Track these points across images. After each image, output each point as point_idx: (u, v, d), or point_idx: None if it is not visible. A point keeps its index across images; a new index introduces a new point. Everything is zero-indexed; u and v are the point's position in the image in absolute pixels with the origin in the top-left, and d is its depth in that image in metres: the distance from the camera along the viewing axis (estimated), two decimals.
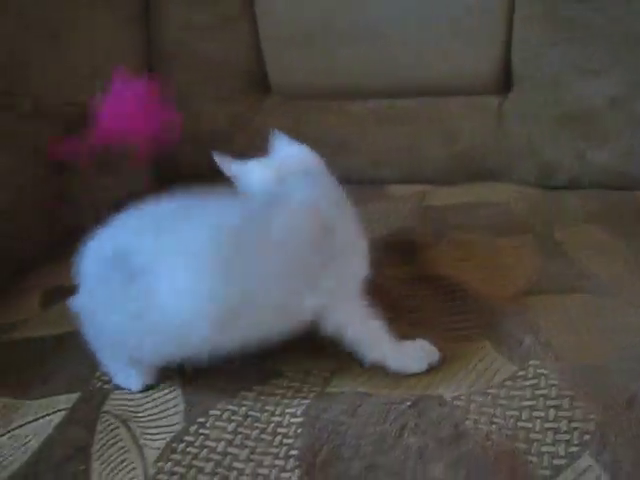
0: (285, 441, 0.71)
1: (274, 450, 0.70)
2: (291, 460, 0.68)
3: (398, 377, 0.77)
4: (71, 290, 1.01)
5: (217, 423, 0.74)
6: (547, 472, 0.65)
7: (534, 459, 0.66)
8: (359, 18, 1.30)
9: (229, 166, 0.90)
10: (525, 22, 1.24)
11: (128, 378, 0.81)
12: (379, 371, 0.78)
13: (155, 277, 0.72)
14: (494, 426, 0.70)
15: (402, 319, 0.86)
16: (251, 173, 0.89)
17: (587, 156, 1.22)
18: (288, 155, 0.92)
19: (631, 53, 1.18)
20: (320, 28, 1.31)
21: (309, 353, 0.82)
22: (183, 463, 0.70)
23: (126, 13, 1.39)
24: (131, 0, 1.41)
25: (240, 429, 0.73)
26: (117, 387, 0.81)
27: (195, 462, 0.70)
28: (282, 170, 0.88)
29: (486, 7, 1.26)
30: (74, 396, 0.81)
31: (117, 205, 0.97)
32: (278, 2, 1.35)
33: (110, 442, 0.74)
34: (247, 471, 0.68)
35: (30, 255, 1.13)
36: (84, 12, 1.28)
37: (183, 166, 1.39)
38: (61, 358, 0.88)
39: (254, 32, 1.38)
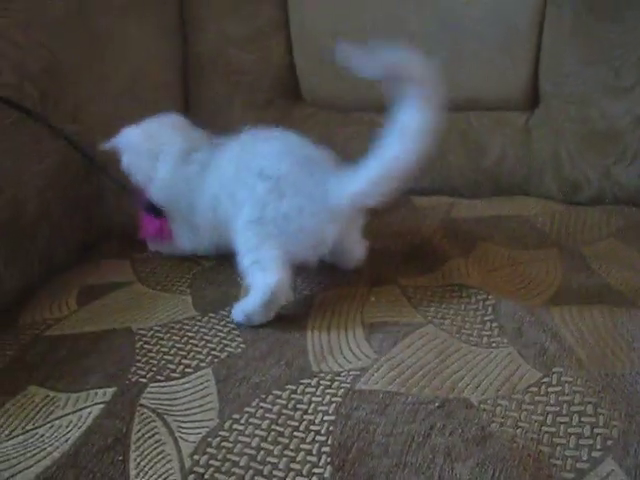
0: (318, 438, 0.73)
1: (307, 447, 0.72)
2: (323, 457, 0.71)
3: (425, 377, 0.80)
4: (105, 289, 1.05)
5: (251, 420, 0.76)
6: (570, 475, 0.67)
7: (558, 462, 0.68)
8: (391, 33, 1.32)
9: None
10: (553, 40, 1.27)
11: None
12: (406, 370, 0.80)
13: None
14: (519, 430, 0.72)
15: (430, 325, 0.89)
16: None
17: (612, 173, 1.24)
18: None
19: None
20: (352, 41, 1.33)
21: (338, 352, 0.86)
22: (218, 457, 0.72)
23: (162, 24, 1.42)
24: (167, 12, 1.44)
25: (274, 426, 0.75)
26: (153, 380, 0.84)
27: (230, 456, 0.72)
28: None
29: (515, 25, 1.28)
30: (111, 390, 0.83)
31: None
32: (312, 16, 1.38)
33: (147, 435, 0.76)
34: (280, 465, 0.70)
35: (67, 255, 1.16)
36: (120, 23, 1.30)
37: None
38: (97, 354, 0.91)
39: (287, 44, 1.41)
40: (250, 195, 0.96)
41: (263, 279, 0.92)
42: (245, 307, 0.93)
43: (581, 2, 1.23)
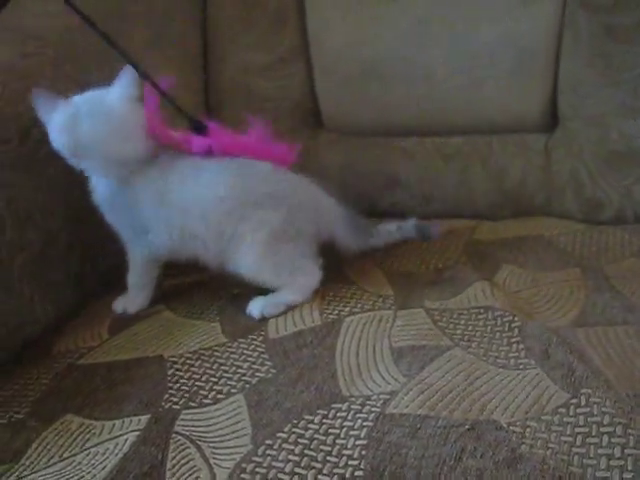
0: (350, 462, 0.74)
1: (340, 471, 0.73)
2: None
3: (454, 400, 0.80)
4: (135, 317, 1.07)
5: (284, 445, 0.77)
6: None
7: None
8: (411, 59, 1.34)
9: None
10: (571, 62, 1.28)
11: None
12: (435, 394, 0.81)
13: None
14: (549, 451, 0.73)
15: (457, 348, 0.90)
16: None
17: (632, 193, 1.25)
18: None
19: None
20: (373, 68, 1.36)
21: (368, 376, 0.87)
22: None
23: (185, 55, 1.45)
24: (189, 43, 1.47)
25: (306, 451, 0.76)
26: (186, 407, 0.86)
27: None
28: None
29: (533, 47, 1.29)
30: (145, 417, 0.85)
31: None
32: (333, 43, 1.40)
33: (182, 461, 0.78)
34: None
35: (99, 283, 1.19)
36: (144, 55, 1.32)
37: None
38: (130, 382, 0.93)
39: (309, 71, 1.44)
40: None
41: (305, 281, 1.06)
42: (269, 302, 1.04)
43: (597, 24, 1.24)
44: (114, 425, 0.85)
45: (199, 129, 1.07)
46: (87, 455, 0.81)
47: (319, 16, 1.40)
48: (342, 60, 1.39)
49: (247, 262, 1.03)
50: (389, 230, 1.18)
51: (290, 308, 1.03)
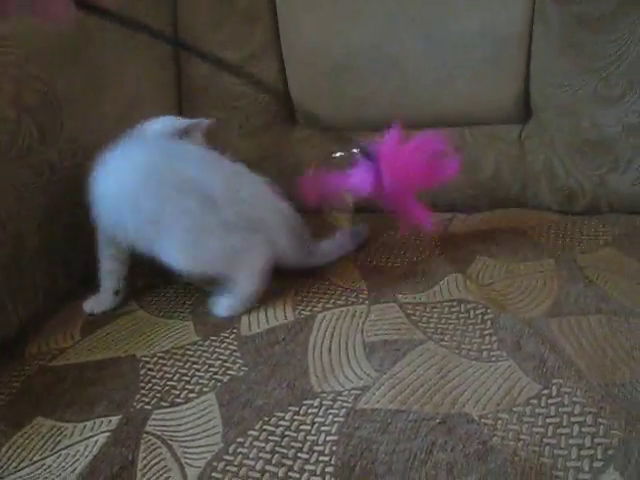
0: (321, 459, 0.74)
1: (311, 467, 0.73)
2: (327, 477, 0.71)
3: (426, 394, 0.80)
4: (108, 317, 1.06)
5: (255, 443, 0.77)
6: None
7: (560, 474, 0.69)
8: (383, 52, 1.34)
9: None
10: (543, 53, 1.28)
11: None
12: (407, 388, 0.81)
13: None
14: (520, 443, 0.73)
15: (430, 341, 0.90)
16: None
17: (606, 182, 1.25)
18: None
19: None
20: (345, 62, 1.35)
21: (340, 372, 0.86)
22: None
23: (156, 54, 1.44)
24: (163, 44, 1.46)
25: (277, 448, 0.76)
26: (157, 407, 0.85)
27: (235, 479, 0.73)
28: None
29: (504, 39, 1.29)
30: (116, 418, 0.84)
31: None
32: (304, 39, 1.39)
33: (153, 461, 0.77)
34: None
35: (71, 284, 1.18)
36: (115, 56, 1.32)
37: None
38: (102, 382, 0.92)
39: (281, 68, 1.43)
40: None
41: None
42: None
43: (568, 14, 1.24)
44: (85, 426, 0.84)
45: (367, 155, 1.05)
46: (57, 457, 0.80)
47: (289, 11, 1.39)
48: (314, 55, 1.38)
49: (172, 252, 1.02)
50: (329, 249, 1.13)
51: (261, 302, 1.03)
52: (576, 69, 1.25)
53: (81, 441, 0.82)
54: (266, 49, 1.42)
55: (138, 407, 0.86)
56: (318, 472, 0.72)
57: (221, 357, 0.93)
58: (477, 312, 0.95)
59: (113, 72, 1.30)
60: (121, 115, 1.30)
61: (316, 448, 0.75)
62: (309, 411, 0.80)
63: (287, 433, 0.78)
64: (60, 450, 0.81)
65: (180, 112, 1.46)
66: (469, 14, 1.30)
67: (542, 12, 1.26)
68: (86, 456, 0.79)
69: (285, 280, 1.08)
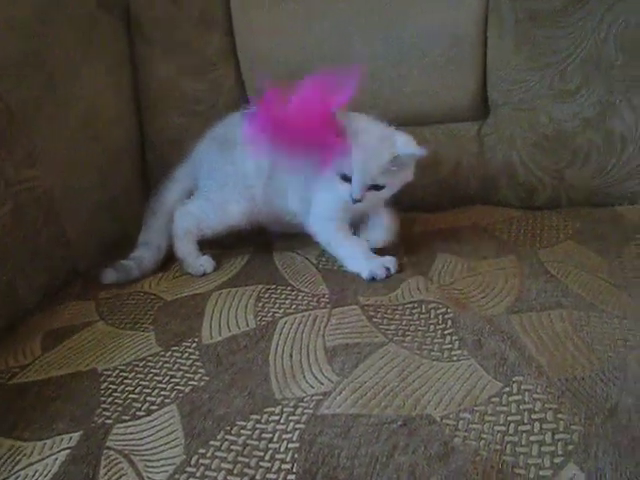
0: (283, 467, 0.73)
1: (272, 476, 0.72)
2: None
3: (387, 396, 0.80)
4: (69, 331, 1.05)
5: (217, 453, 0.76)
6: None
7: (522, 472, 0.69)
8: (340, 54, 1.33)
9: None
10: (498, 49, 1.28)
11: None
12: (369, 391, 0.81)
13: None
14: (482, 442, 0.73)
15: (391, 343, 0.89)
16: None
17: (565, 176, 1.26)
18: None
19: (601, 75, 1.22)
20: (301, 66, 1.34)
21: (301, 378, 0.86)
22: None
23: (112, 60, 1.42)
24: (117, 48, 1.44)
25: (239, 458, 0.75)
26: (118, 421, 0.84)
27: None
28: None
29: (459, 37, 1.29)
30: (77, 435, 0.83)
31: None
32: (258, 44, 1.39)
33: (114, 477, 0.76)
34: None
35: (31, 298, 1.16)
36: (70, 63, 1.30)
37: None
38: (63, 398, 0.90)
39: (237, 71, 1.42)
40: None
41: None
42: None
43: (521, 10, 1.25)
44: (45, 445, 0.83)
45: None
46: (16, 479, 0.78)
47: (244, 17, 1.39)
48: (269, 60, 1.38)
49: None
50: (131, 266, 1.20)
51: (221, 310, 1.03)
52: (532, 65, 1.26)
53: (41, 460, 0.80)
54: (223, 54, 1.42)
55: (99, 422, 0.84)
56: None
57: (182, 367, 0.92)
58: (438, 312, 0.94)
59: (69, 80, 1.29)
60: (79, 123, 1.29)
61: (278, 456, 0.74)
62: (270, 419, 0.80)
63: (249, 442, 0.77)
64: (19, 471, 0.79)
65: (140, 117, 1.45)
66: (425, 14, 1.30)
67: (496, 9, 1.27)
68: (45, 475, 0.77)
69: (246, 285, 1.08)
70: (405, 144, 1.05)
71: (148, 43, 1.45)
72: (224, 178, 1.18)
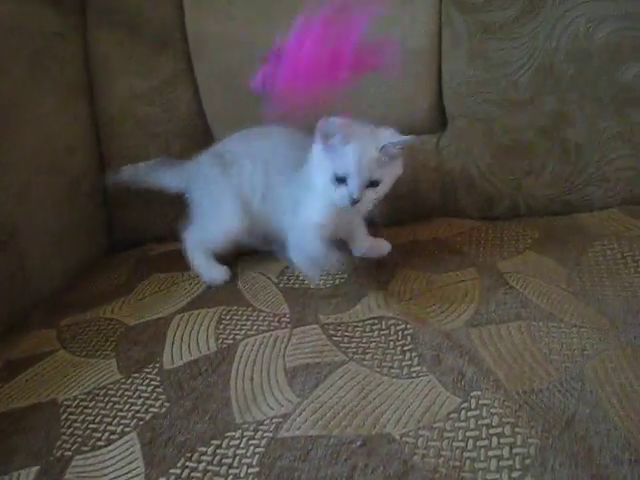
0: None
1: None
2: None
3: (347, 416, 0.80)
4: (29, 361, 1.03)
5: None
6: None
7: None
8: None
9: None
10: (452, 61, 1.29)
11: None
12: (328, 412, 0.81)
13: None
14: (441, 459, 0.73)
15: (351, 362, 0.89)
16: None
17: (523, 185, 1.26)
18: None
19: (554, 84, 1.23)
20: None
21: (262, 401, 0.85)
22: None
23: (66, 84, 1.40)
24: (71, 71, 1.42)
25: None
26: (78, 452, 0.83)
27: None
28: None
29: (414, 49, 1.29)
30: (35, 469, 0.82)
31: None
32: (214, 62, 1.38)
33: None
34: None
35: None
36: (22, 88, 1.28)
37: (137, 226, 1.43)
38: (22, 432, 0.89)
39: (194, 92, 1.42)
40: None
41: None
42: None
43: (473, 23, 1.25)
44: None
45: None
46: None
47: (199, 36, 1.38)
48: (225, 78, 1.37)
49: None
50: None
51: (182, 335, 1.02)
52: (486, 76, 1.27)
53: None
54: (179, 75, 1.41)
55: (58, 455, 0.84)
56: None
57: (143, 394, 0.91)
58: (397, 328, 0.95)
59: (21, 106, 1.27)
60: (34, 151, 1.28)
61: None
62: (231, 443, 0.80)
63: (209, 468, 0.77)
64: None
65: (98, 141, 1.44)
66: (379, 29, 1.30)
67: (449, 23, 1.28)
68: None
69: (208, 307, 1.07)
70: (391, 135, 1.08)
71: (104, 67, 1.44)
72: (220, 193, 1.18)
